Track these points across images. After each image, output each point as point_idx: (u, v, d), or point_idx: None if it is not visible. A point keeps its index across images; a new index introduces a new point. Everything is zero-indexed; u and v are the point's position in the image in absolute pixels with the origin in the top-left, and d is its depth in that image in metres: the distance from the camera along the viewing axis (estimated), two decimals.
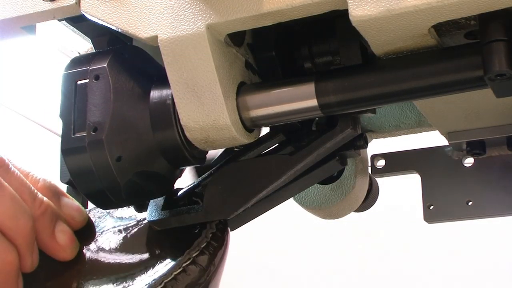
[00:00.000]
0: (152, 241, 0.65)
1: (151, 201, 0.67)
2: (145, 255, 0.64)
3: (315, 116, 0.61)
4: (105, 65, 0.61)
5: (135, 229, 0.67)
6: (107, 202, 0.63)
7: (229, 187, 0.64)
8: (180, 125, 0.61)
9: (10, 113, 2.37)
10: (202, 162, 0.65)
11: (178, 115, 0.60)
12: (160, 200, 0.67)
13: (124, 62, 0.62)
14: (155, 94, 0.62)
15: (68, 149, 0.61)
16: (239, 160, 0.67)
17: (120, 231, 0.68)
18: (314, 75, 0.60)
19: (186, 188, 0.69)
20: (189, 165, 0.65)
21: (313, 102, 0.60)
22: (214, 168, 0.68)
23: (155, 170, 0.62)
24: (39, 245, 0.64)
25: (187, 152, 0.62)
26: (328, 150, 0.64)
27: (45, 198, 0.64)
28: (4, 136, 2.33)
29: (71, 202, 0.67)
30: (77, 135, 0.61)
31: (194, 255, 0.60)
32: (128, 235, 0.67)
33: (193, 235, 0.62)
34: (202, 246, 0.61)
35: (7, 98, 2.37)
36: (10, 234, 0.60)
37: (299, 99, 0.60)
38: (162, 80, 0.61)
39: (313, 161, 0.64)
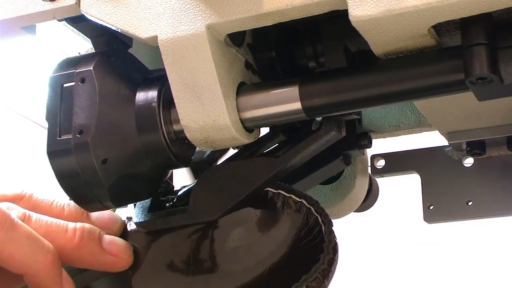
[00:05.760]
0: (265, 249, 0.62)
1: (138, 202, 0.68)
2: (260, 266, 0.62)
3: (302, 119, 0.61)
4: (91, 68, 0.61)
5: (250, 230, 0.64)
6: (93, 205, 0.63)
7: (214, 188, 0.65)
8: (165, 128, 0.61)
9: (10, 113, 2.37)
10: (188, 164, 0.65)
11: (163, 118, 0.61)
12: (146, 202, 0.67)
13: (110, 65, 0.62)
14: (140, 97, 0.62)
15: (54, 152, 0.61)
16: (224, 161, 0.67)
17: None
18: (299, 78, 0.60)
19: (173, 190, 0.69)
20: (175, 168, 0.65)
21: (297, 105, 0.60)
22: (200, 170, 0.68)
23: (141, 172, 0.62)
24: (97, 268, 0.64)
25: (172, 155, 0.62)
26: (313, 152, 0.64)
27: (77, 225, 0.63)
28: (4, 136, 2.33)
29: (101, 214, 0.67)
30: (63, 137, 0.61)
31: (310, 281, 0.58)
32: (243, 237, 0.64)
33: (311, 257, 0.60)
34: (319, 273, 0.59)
35: (7, 98, 2.37)
36: (30, 272, 0.60)
37: (285, 102, 0.60)
38: (148, 83, 0.62)
39: (298, 163, 0.64)
